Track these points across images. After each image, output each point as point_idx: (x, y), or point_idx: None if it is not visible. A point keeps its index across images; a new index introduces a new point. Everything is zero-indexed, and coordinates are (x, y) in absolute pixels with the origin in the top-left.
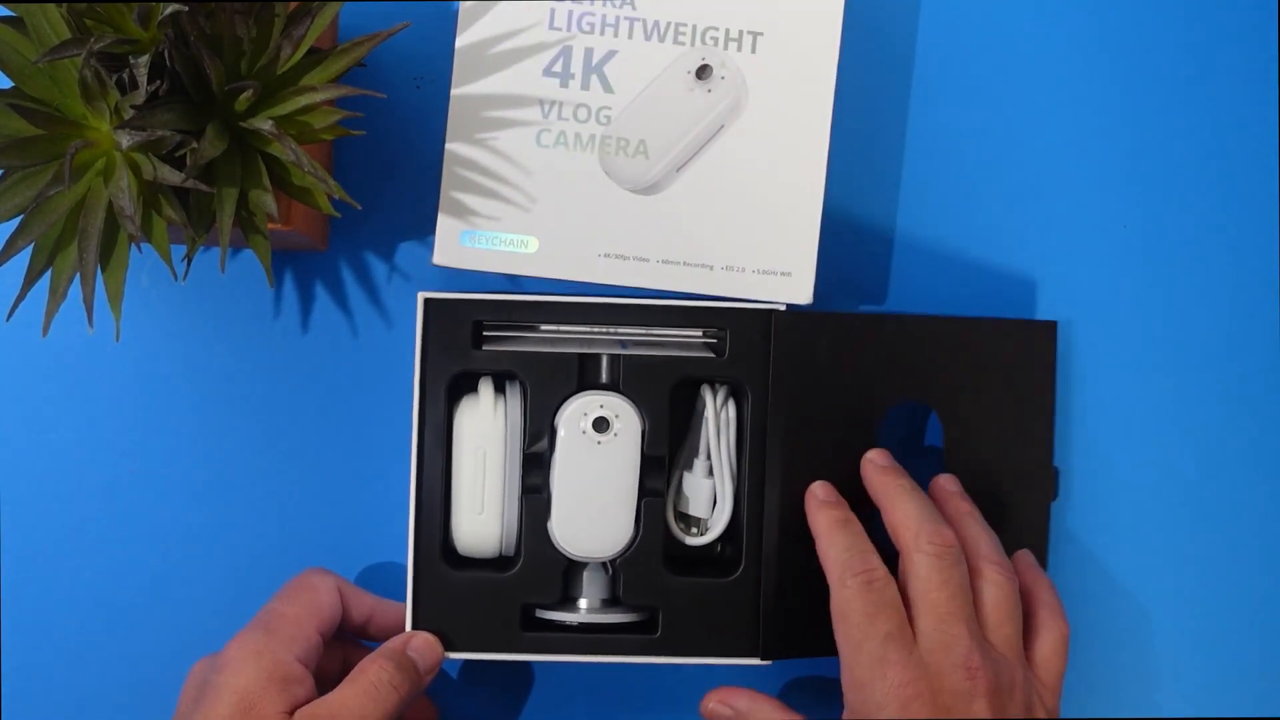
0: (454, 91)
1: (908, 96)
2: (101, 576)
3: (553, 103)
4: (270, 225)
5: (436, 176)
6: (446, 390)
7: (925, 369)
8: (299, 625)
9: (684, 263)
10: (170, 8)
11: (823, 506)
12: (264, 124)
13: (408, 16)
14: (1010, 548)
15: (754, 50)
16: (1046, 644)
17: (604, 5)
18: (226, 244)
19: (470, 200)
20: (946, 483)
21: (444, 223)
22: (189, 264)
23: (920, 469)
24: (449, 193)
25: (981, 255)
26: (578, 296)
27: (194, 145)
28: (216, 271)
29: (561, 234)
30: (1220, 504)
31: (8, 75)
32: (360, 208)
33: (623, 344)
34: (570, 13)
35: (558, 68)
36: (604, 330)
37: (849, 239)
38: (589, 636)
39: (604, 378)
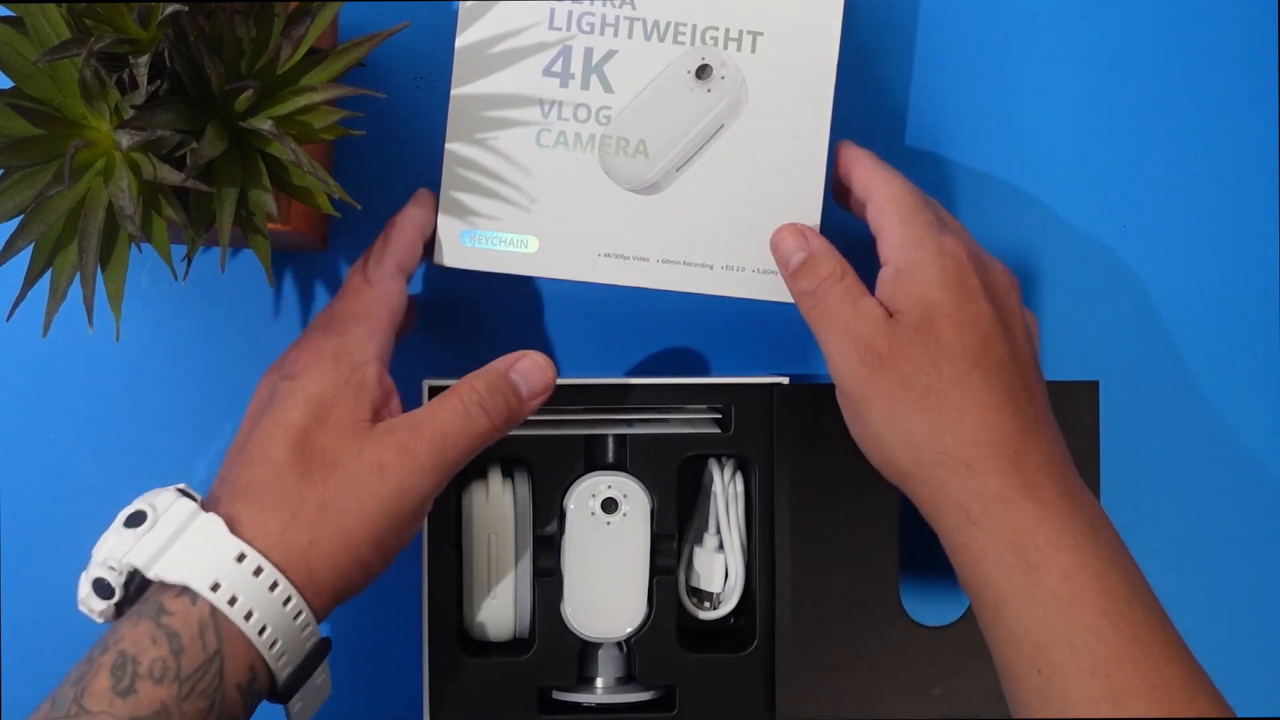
0: (454, 91)
1: (907, 95)
2: None
3: (553, 102)
4: (270, 225)
5: (436, 176)
6: (455, 477)
7: None
8: (372, 321)
9: (684, 262)
10: (170, 8)
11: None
12: (264, 124)
13: (408, 16)
14: None
15: (754, 50)
16: None
17: (604, 5)
18: (226, 244)
19: (470, 200)
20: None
21: (445, 223)
22: (189, 264)
23: None
24: (449, 193)
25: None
26: (582, 379)
27: (194, 145)
28: (216, 271)
29: (562, 234)
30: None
31: (8, 75)
32: (360, 208)
33: (628, 423)
34: (570, 12)
35: (557, 67)
36: (609, 411)
37: (849, 239)
38: (607, 717)
39: (610, 458)
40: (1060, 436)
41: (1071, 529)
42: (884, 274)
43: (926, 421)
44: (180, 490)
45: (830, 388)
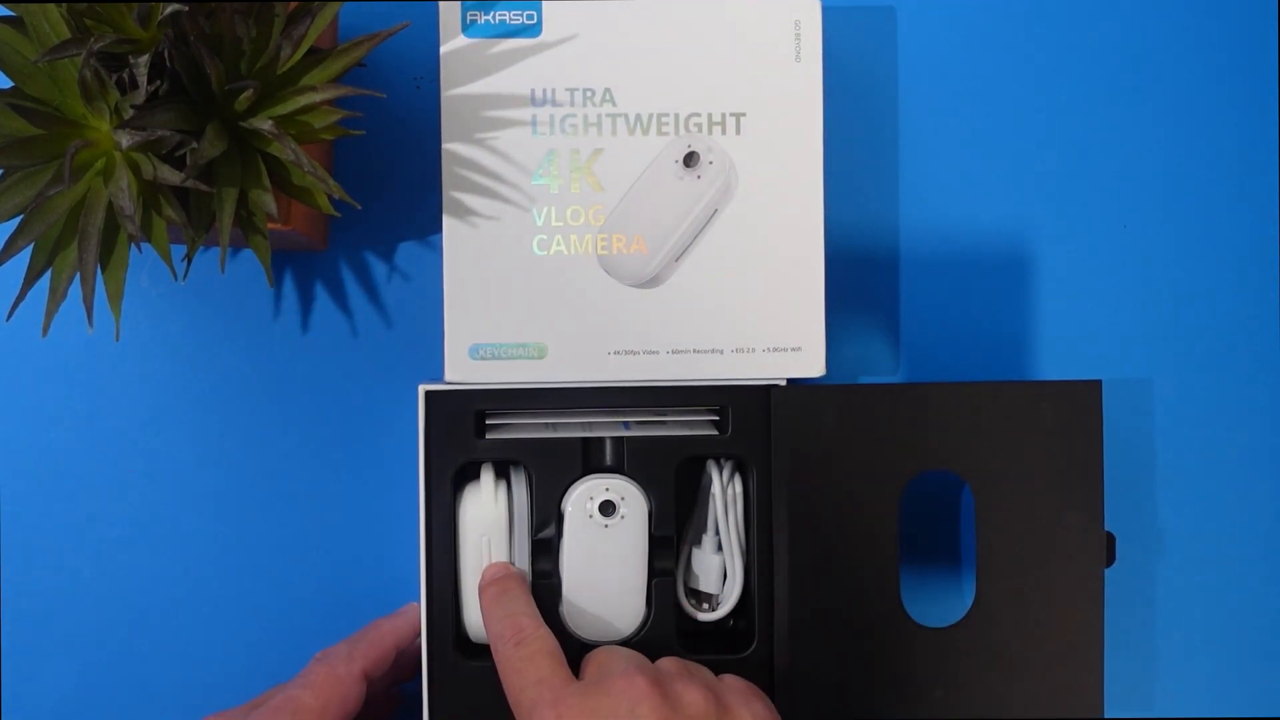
0: (446, 200)
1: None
2: (101, 576)
3: (545, 207)
4: (270, 225)
5: (436, 175)
6: (452, 481)
7: (951, 437)
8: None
9: (694, 350)
10: (170, 8)
11: (484, 589)
12: (264, 124)
13: (408, 16)
14: (1064, 617)
15: (738, 131)
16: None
17: (585, 105)
18: (226, 244)
19: (474, 312)
20: None
21: (452, 337)
22: (189, 264)
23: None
24: (453, 306)
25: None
26: (579, 381)
27: (194, 145)
28: (216, 271)
29: (570, 337)
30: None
31: (8, 75)
32: (360, 208)
33: (625, 425)
34: (552, 116)
35: (546, 173)
36: (606, 413)
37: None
38: None
39: (608, 460)
40: None
41: None
42: None
43: None
44: None
45: (829, 388)
